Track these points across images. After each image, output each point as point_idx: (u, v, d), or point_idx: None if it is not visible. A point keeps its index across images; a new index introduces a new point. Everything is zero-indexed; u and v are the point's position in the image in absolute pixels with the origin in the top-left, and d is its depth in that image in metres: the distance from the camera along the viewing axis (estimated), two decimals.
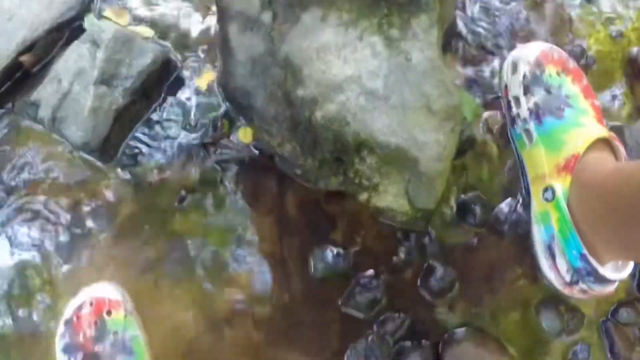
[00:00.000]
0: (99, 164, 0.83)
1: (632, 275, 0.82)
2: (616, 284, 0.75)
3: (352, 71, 0.68)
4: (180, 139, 0.84)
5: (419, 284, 0.77)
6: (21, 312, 0.81)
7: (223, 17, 0.75)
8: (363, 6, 0.69)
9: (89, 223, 0.82)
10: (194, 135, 0.84)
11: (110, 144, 0.84)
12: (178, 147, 0.83)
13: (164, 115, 0.85)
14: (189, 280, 0.80)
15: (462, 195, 0.80)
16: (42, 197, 0.83)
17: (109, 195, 0.83)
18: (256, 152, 0.83)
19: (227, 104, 0.84)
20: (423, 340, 0.76)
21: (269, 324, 0.77)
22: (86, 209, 0.82)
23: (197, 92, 0.85)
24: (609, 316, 0.82)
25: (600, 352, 0.81)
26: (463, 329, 0.77)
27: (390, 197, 0.71)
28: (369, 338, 0.75)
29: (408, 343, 0.75)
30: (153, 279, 0.80)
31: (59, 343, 0.78)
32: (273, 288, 0.78)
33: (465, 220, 0.80)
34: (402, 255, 0.78)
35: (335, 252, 0.77)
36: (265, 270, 0.79)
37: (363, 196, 0.73)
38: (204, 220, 0.81)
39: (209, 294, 0.79)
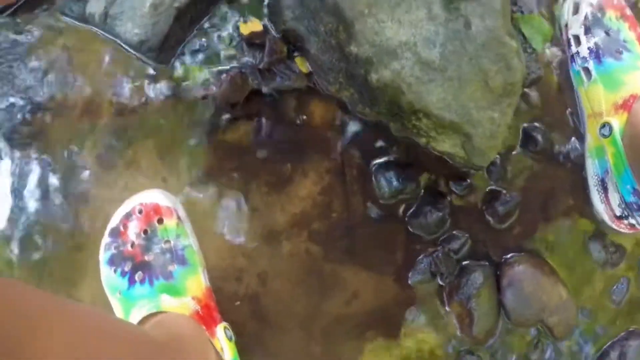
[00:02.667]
0: (152, 65, 0.78)
1: None
2: None
3: (407, 37, 0.63)
4: (234, 59, 0.79)
5: (483, 207, 0.78)
6: (60, 222, 0.75)
7: None
8: None
9: (135, 130, 0.77)
10: (247, 58, 0.79)
11: (168, 45, 0.79)
12: (230, 68, 0.79)
13: (219, 32, 0.81)
14: (247, 191, 0.76)
15: (525, 125, 0.81)
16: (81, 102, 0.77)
17: (156, 101, 0.78)
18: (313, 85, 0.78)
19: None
20: (484, 261, 0.77)
21: (330, 239, 0.75)
22: (132, 115, 0.77)
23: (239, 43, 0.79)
24: None
25: (637, 285, 0.84)
26: (520, 252, 0.78)
27: (447, 146, 0.69)
28: (434, 254, 0.75)
29: (470, 262, 0.76)
30: (208, 189, 0.76)
31: (103, 255, 0.73)
32: (335, 203, 0.76)
33: (527, 148, 0.81)
34: (468, 179, 0.78)
35: (400, 173, 0.76)
36: (328, 186, 0.77)
37: (421, 140, 0.70)
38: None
39: (268, 204, 0.76)
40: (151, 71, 0.77)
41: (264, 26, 0.77)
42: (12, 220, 0.75)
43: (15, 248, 0.75)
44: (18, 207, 0.75)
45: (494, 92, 0.64)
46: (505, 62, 0.63)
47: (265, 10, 0.77)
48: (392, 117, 0.69)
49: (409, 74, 0.63)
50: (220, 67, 0.77)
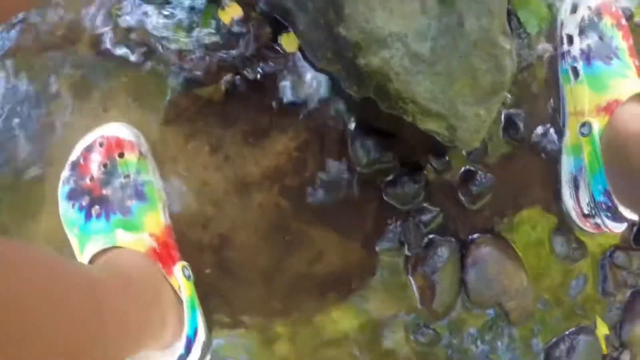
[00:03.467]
0: None
1: (630, 226, 0.87)
2: (625, 225, 0.80)
3: (399, 28, 0.60)
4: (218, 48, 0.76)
5: (458, 185, 0.78)
6: (21, 151, 0.73)
7: None
8: None
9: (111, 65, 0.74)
10: (233, 51, 0.76)
11: None
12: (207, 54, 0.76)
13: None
14: (221, 138, 0.75)
15: (507, 110, 0.82)
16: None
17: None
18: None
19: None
20: (452, 237, 0.77)
21: (301, 197, 0.75)
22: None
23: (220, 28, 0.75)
24: (607, 255, 0.87)
25: (593, 284, 0.86)
26: (487, 233, 0.79)
27: (433, 126, 0.69)
28: (405, 224, 0.75)
29: (438, 236, 0.76)
30: (180, 131, 0.74)
31: (62, 189, 0.71)
32: (310, 162, 0.75)
33: (508, 133, 0.82)
34: (446, 156, 0.78)
35: (379, 142, 0.76)
36: (305, 145, 0.76)
37: (408, 118, 0.70)
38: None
39: (242, 154, 0.75)
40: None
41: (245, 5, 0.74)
42: None
43: None
44: None
45: (482, 90, 0.63)
46: (495, 62, 0.62)
47: None
48: (379, 97, 0.68)
49: (397, 64, 0.62)
50: (200, 50, 0.74)
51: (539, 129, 0.84)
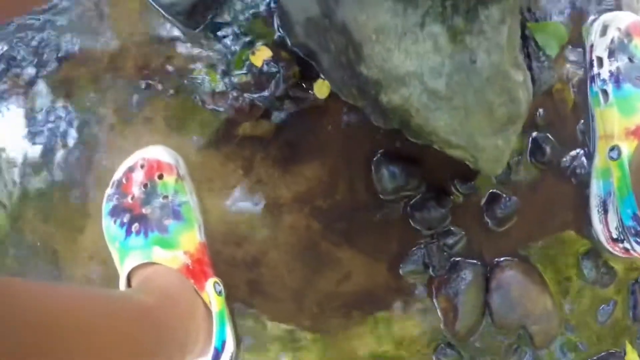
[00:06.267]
0: (180, 28, 0.81)
1: None
2: None
3: (415, 67, 0.62)
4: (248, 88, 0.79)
5: (483, 208, 0.80)
6: (67, 169, 0.79)
7: None
8: None
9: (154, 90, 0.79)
10: (265, 92, 0.79)
11: (197, 11, 0.81)
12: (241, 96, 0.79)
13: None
14: (258, 163, 0.79)
15: (535, 133, 0.83)
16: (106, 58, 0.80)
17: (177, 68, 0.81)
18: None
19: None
20: (477, 260, 0.79)
21: (330, 219, 0.78)
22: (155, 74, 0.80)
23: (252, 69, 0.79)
24: (638, 280, 0.86)
25: (623, 310, 0.85)
26: (512, 257, 0.80)
27: (459, 154, 0.69)
28: (429, 246, 0.77)
29: (463, 259, 0.78)
30: (216, 155, 0.79)
31: (105, 205, 0.76)
32: (340, 186, 0.78)
33: (535, 157, 0.83)
34: (473, 181, 0.80)
35: (404, 168, 0.78)
36: (335, 170, 0.79)
37: (434, 146, 0.72)
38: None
39: (274, 178, 0.78)
40: (179, 35, 0.79)
41: (276, 42, 0.78)
42: (26, 157, 0.78)
43: (26, 186, 0.78)
44: (34, 147, 0.78)
45: (498, 122, 0.65)
46: (509, 95, 0.63)
47: (276, 21, 0.78)
48: (404, 129, 0.71)
49: (416, 101, 0.64)
50: (234, 91, 0.78)
51: (568, 153, 0.85)
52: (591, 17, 0.89)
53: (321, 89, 0.77)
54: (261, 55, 0.76)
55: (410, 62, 0.62)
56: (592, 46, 0.88)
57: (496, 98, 0.63)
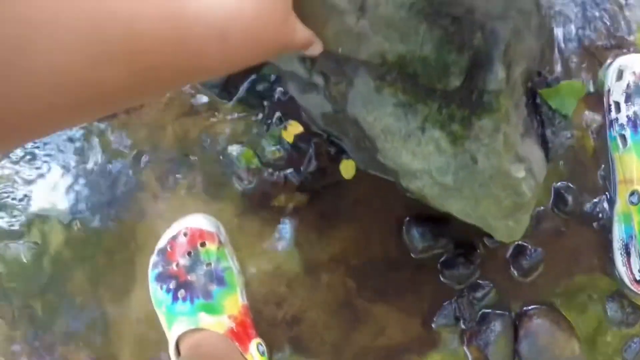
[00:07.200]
0: (215, 98, 0.86)
1: None
2: None
3: (422, 165, 0.66)
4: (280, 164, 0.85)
5: (510, 260, 0.84)
6: (115, 241, 0.84)
7: (282, 77, 0.74)
8: (418, 91, 0.62)
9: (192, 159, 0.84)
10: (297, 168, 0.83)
11: (230, 85, 0.86)
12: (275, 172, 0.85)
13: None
14: (294, 228, 0.84)
15: (556, 184, 0.86)
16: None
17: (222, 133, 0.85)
18: None
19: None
20: (505, 310, 0.83)
21: (365, 277, 0.82)
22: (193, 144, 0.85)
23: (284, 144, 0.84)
24: None
25: None
26: (540, 305, 0.84)
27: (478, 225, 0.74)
28: (459, 300, 0.81)
29: (492, 310, 0.82)
30: (254, 220, 0.83)
31: (151, 272, 0.81)
32: (374, 247, 0.83)
33: (557, 207, 0.86)
34: None
35: (432, 229, 0.82)
36: (368, 232, 0.84)
37: None
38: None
39: (311, 241, 0.83)
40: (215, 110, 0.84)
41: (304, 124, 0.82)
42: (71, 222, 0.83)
43: (76, 252, 0.84)
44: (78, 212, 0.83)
45: (506, 209, 0.68)
46: (513, 189, 0.65)
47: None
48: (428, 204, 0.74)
49: (429, 191, 0.68)
50: (268, 167, 0.84)
51: (590, 199, 0.88)
52: (608, 61, 0.91)
53: (347, 169, 0.81)
54: (292, 130, 0.80)
55: (417, 162, 0.65)
56: (609, 91, 0.90)
57: (501, 192, 0.65)
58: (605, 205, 0.87)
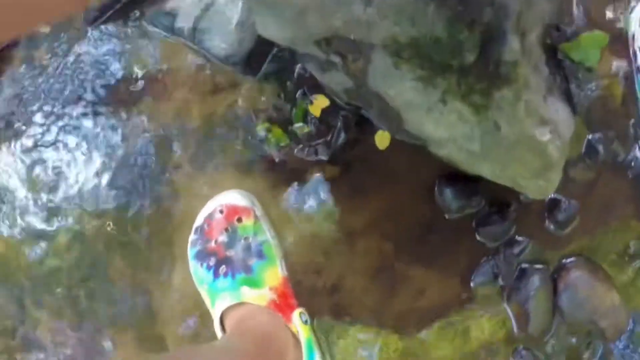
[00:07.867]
0: (239, 75, 0.86)
1: None
2: None
3: (447, 134, 0.66)
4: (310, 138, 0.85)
5: (545, 214, 0.84)
6: (152, 224, 0.85)
7: (301, 59, 0.74)
8: (434, 67, 0.61)
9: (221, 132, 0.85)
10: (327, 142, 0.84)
11: (254, 59, 0.86)
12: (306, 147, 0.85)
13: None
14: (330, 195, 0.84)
15: (590, 136, 0.85)
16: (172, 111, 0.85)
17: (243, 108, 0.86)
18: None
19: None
20: (543, 264, 0.83)
21: (401, 241, 0.83)
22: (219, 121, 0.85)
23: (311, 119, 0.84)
24: None
25: None
26: (577, 257, 0.84)
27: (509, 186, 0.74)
28: (496, 257, 0.82)
29: (530, 265, 0.82)
30: (289, 193, 0.84)
31: (190, 250, 0.83)
32: (405, 211, 0.83)
33: (590, 158, 0.85)
34: None
35: (465, 188, 0.82)
36: (400, 196, 0.84)
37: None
38: None
39: (347, 209, 0.83)
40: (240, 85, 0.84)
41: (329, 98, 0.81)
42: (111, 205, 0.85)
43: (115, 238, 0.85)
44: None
45: (534, 170, 0.68)
46: (539, 151, 0.65)
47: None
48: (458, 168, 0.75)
49: (456, 156, 0.69)
50: (298, 143, 0.84)
51: (622, 148, 0.87)
52: (631, 4, 0.89)
53: (382, 140, 0.81)
54: (319, 104, 0.80)
55: (442, 131, 0.66)
56: (633, 37, 0.88)
57: (527, 155, 0.66)
58: (638, 153, 0.87)
